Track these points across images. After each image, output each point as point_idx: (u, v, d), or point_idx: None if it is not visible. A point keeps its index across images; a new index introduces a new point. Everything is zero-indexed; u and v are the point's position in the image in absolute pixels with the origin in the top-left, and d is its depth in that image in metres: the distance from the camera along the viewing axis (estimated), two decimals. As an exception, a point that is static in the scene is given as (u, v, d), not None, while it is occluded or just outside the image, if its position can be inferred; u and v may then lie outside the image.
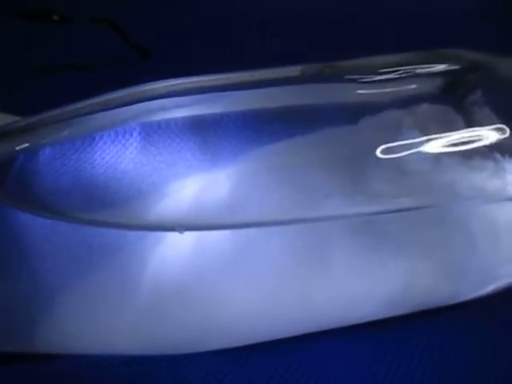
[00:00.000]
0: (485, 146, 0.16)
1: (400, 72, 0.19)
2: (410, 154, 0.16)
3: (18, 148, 0.16)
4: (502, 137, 0.16)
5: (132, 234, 0.15)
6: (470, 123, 0.17)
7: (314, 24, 0.47)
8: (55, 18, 0.36)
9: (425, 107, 0.17)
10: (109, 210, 0.16)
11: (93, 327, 0.16)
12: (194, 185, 0.16)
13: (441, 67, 0.19)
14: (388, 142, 0.16)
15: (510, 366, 0.17)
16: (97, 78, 0.36)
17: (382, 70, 0.19)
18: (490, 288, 0.17)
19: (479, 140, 0.16)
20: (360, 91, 0.18)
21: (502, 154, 0.16)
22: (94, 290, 0.16)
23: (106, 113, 0.18)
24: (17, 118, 0.20)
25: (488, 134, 0.16)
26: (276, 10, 0.51)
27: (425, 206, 0.16)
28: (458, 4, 0.51)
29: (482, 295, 0.17)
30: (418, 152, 0.16)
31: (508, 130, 0.16)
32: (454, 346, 0.17)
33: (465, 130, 0.16)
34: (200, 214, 0.16)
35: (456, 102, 0.17)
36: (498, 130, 0.16)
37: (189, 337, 0.16)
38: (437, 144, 0.16)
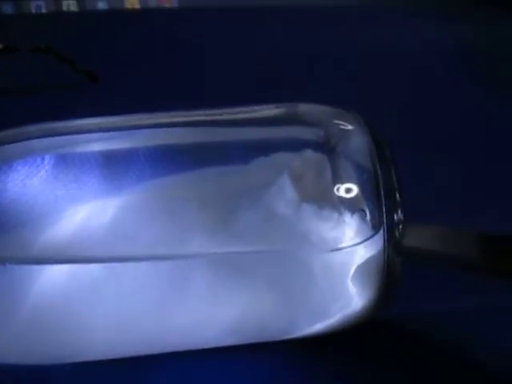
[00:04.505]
0: (336, 199, 0.18)
1: (294, 119, 0.21)
2: (279, 198, 0.18)
3: None
4: (349, 195, 0.18)
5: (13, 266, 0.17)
6: (333, 174, 0.18)
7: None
8: (-1, 47, 0.37)
9: (308, 153, 0.19)
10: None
11: None
12: (82, 214, 0.18)
13: (334, 122, 0.20)
14: (268, 184, 0.18)
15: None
16: (43, 101, 0.38)
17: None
18: (323, 324, 0.19)
19: (333, 193, 0.18)
20: (256, 132, 0.20)
21: (345, 207, 0.18)
22: None
23: (25, 143, 0.19)
24: None
25: (341, 189, 0.18)
26: (223, 45, 0.52)
27: (277, 250, 0.18)
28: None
29: (315, 332, 0.19)
30: (286, 198, 0.18)
31: (355, 190, 0.18)
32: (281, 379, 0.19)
33: (326, 181, 0.18)
34: (77, 247, 0.17)
35: (329, 152, 0.19)
36: (348, 188, 0.18)
37: (56, 350, 0.19)
38: (303, 191, 0.18)
